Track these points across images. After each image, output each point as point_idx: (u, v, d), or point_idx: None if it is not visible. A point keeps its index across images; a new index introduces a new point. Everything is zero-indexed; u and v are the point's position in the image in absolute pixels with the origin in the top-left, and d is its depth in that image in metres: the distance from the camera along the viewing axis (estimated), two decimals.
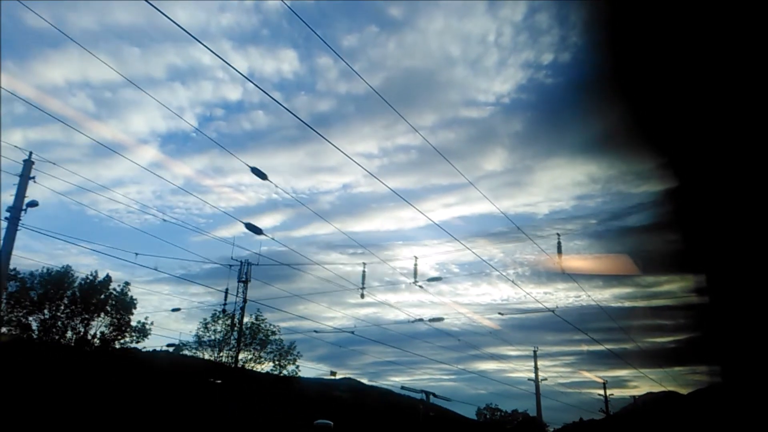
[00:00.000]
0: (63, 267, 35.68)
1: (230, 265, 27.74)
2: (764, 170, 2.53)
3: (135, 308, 36.97)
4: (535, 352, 48.48)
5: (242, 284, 28.82)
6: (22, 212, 17.85)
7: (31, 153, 18.86)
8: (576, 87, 3.59)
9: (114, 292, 36.74)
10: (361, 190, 78.36)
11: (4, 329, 32.40)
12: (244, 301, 29.75)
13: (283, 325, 44.14)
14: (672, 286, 3.98)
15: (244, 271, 28.65)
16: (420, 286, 32.62)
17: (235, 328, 32.61)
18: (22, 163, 18.22)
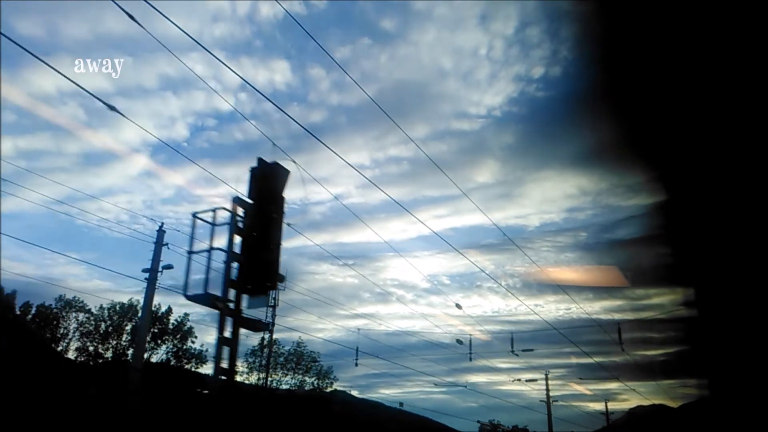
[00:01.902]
0: (129, 301, 41.04)
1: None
2: (754, 184, 2.55)
3: (195, 337, 42.38)
4: (546, 375, 48.64)
5: (271, 309, 29.34)
6: (159, 273, 21.59)
7: (162, 224, 23.33)
8: (567, 100, 3.62)
9: (175, 322, 42.33)
10: (352, 201, 78.32)
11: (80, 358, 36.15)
12: (273, 324, 30.05)
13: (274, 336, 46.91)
14: (661, 299, 4.00)
15: (272, 296, 29.22)
16: (516, 354, 33.28)
17: (265, 351, 34.50)
18: (156, 233, 22.70)
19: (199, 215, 12.75)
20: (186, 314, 42.15)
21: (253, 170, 13.25)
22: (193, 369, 41.42)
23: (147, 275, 22.54)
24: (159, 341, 41.43)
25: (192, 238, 12.79)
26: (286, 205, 13.24)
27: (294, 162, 13.19)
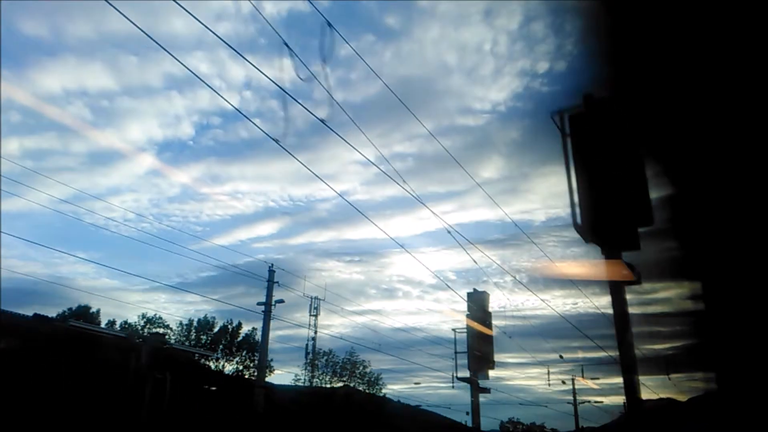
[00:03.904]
0: (204, 316, 46.59)
1: (304, 294, 29.77)
2: (760, 179, 2.55)
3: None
4: (573, 380, 48.90)
5: (314, 317, 31.52)
6: (272, 306, 26.17)
7: (272, 264, 27.09)
8: (571, 95, 3.61)
9: (245, 335, 46.67)
10: (358, 198, 78.28)
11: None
12: (315, 332, 32.11)
13: (279, 333, 49.88)
14: (668, 293, 3.99)
15: (314, 306, 31.32)
16: (561, 357, 34.66)
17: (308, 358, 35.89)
18: (268, 272, 27.08)
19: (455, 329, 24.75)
20: (254, 329, 46.60)
21: (469, 295, 25.20)
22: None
23: (263, 308, 26.55)
24: (231, 352, 46.42)
25: (456, 347, 24.51)
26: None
27: (298, 160, 13.25)
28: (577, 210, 3.52)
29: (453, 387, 26.74)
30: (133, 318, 46.68)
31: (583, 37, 3.20)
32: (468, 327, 24.31)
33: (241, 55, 7.68)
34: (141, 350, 18.41)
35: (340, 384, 46.66)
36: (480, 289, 25.44)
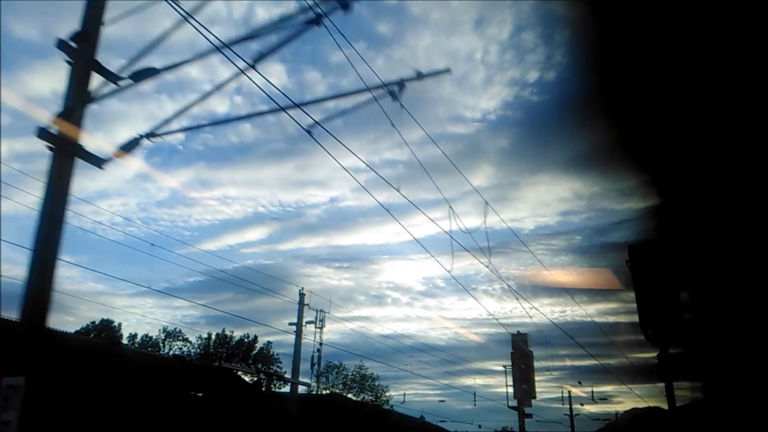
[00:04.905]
0: (222, 330, 48.94)
1: (307, 304, 30.41)
2: (746, 188, 2.57)
3: (280, 362, 49.24)
4: (569, 393, 49.23)
5: (319, 330, 31.40)
6: (304, 327, 28.45)
7: (302, 288, 29.35)
8: (561, 105, 3.64)
9: (261, 348, 49.66)
10: (348, 204, 78.11)
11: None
12: (321, 344, 32.18)
13: (270, 338, 53.87)
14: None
15: (319, 318, 31.41)
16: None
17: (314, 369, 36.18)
18: (299, 295, 29.25)
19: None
20: (269, 342, 50.06)
21: (512, 336, 29.38)
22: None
23: (294, 328, 28.80)
24: (248, 364, 48.27)
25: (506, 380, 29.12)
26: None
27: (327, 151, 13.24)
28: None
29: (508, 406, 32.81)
30: (153, 332, 49.76)
31: (572, 46, 3.22)
32: (513, 363, 30.57)
33: (253, 67, 7.66)
34: (194, 369, 19.48)
35: (350, 395, 47.90)
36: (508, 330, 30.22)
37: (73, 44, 7.45)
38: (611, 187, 3.62)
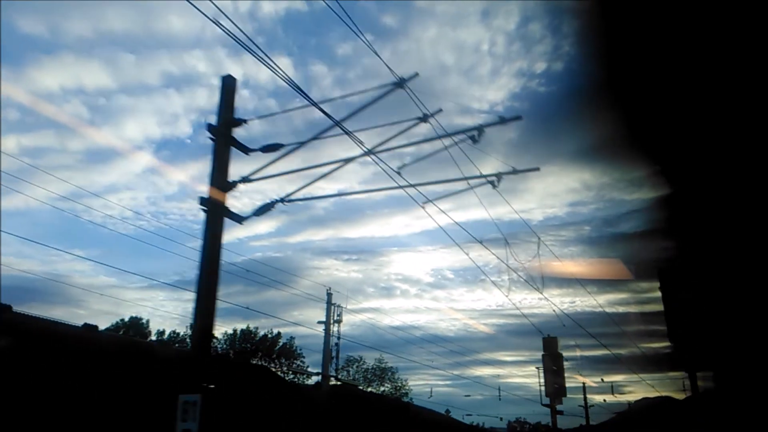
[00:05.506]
0: (246, 326, 50.12)
1: (331, 304, 30.03)
2: (757, 178, 2.56)
3: (303, 357, 51.25)
4: (584, 385, 49.46)
5: (337, 324, 31.44)
6: (332, 325, 28.29)
7: (329, 287, 28.99)
8: (569, 96, 3.62)
9: (286, 343, 51.33)
10: (356, 196, 78.30)
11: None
12: (339, 338, 32.55)
13: (281, 330, 54.90)
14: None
15: (337, 313, 31.41)
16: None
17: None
18: (326, 295, 28.95)
19: None
20: (292, 337, 51.98)
21: (544, 340, 32.56)
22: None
23: (323, 326, 28.69)
24: (272, 359, 50.19)
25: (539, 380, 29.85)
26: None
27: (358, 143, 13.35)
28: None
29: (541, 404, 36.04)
30: (181, 329, 49.46)
31: (580, 37, 3.21)
32: (544, 364, 33.81)
33: (263, 59, 7.68)
34: (236, 367, 19.72)
35: (369, 389, 49.30)
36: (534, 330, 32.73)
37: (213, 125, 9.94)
38: (620, 177, 3.61)
